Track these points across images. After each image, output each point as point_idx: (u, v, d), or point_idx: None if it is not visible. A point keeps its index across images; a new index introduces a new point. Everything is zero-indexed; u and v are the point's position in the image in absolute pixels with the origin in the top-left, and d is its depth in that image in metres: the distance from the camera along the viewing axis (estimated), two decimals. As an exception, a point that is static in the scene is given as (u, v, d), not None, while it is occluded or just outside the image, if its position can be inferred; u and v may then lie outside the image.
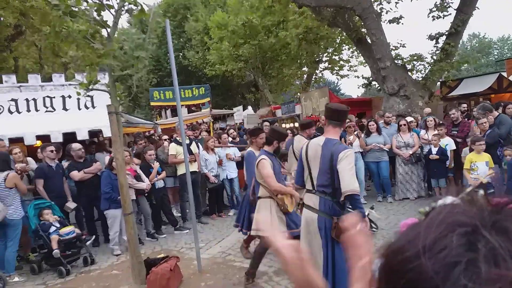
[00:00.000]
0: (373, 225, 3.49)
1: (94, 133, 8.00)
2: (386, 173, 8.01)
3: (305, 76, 22.88)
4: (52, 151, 6.34)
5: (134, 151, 7.93)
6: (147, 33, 4.64)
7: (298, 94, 20.35)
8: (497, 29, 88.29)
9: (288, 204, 4.40)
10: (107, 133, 6.26)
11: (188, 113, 13.59)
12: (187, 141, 7.46)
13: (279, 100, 23.67)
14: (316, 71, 22.98)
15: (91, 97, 7.72)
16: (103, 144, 8.42)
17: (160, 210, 7.23)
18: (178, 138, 7.51)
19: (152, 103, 11.09)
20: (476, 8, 10.28)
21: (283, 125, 15.21)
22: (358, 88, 35.47)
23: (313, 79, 23.44)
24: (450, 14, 10.60)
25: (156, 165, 7.06)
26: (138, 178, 6.57)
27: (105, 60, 4.37)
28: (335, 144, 3.27)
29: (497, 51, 47.99)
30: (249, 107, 24.13)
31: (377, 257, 0.52)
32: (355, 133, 7.98)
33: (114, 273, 5.50)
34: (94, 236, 6.52)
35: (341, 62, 22.05)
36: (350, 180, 3.08)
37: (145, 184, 6.56)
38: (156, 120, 13.16)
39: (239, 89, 25.64)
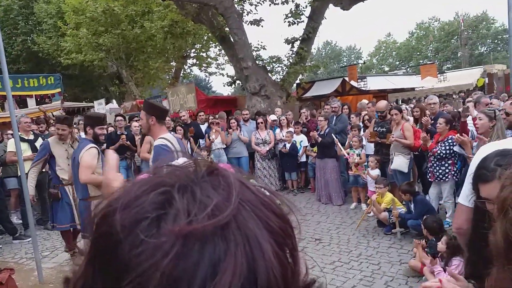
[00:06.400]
0: None
1: None
2: (246, 168, 8.42)
3: (173, 70, 22.48)
4: None
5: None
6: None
7: (166, 89, 19.90)
8: (346, 38, 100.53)
9: None
10: None
11: (37, 105, 12.03)
12: (32, 137, 6.75)
13: (147, 94, 22.77)
14: (185, 66, 22.79)
15: None
16: None
17: (-5, 217, 6.24)
18: (21, 134, 6.58)
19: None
20: (324, 18, 11.48)
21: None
22: (224, 86, 36.53)
23: (181, 74, 23.18)
24: (303, 21, 11.60)
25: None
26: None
27: None
28: None
29: (346, 58, 54.92)
30: (113, 101, 22.65)
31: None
32: (214, 130, 8.18)
33: None
34: None
35: (209, 59, 22.29)
36: None
37: (-28, 188, 5.58)
38: (-5, 113, 11.29)
39: (101, 81, 23.81)
